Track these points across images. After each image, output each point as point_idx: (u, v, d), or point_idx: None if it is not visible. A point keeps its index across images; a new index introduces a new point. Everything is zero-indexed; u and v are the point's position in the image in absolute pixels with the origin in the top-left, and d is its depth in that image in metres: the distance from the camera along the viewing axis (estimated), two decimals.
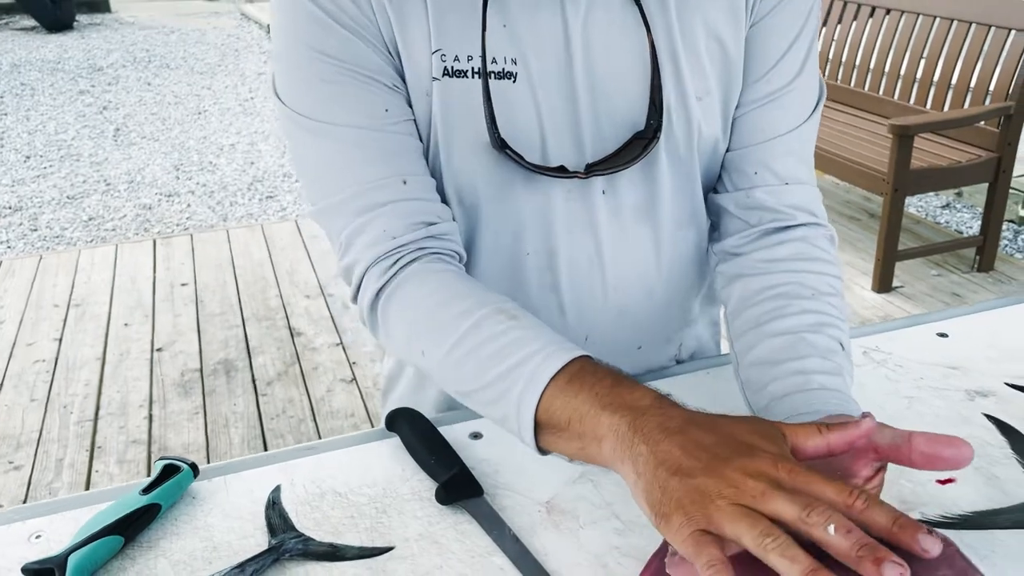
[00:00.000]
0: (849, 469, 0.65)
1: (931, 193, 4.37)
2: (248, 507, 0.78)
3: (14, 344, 3.14)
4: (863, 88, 3.89)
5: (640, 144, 0.84)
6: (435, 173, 0.85)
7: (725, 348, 1.06)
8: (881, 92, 3.79)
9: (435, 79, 0.80)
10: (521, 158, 0.81)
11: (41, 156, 5.55)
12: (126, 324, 3.27)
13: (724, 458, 0.58)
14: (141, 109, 6.56)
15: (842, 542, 0.52)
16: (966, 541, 0.72)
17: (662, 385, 0.95)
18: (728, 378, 0.96)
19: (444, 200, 0.86)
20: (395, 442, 0.85)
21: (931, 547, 0.53)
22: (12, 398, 2.82)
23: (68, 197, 4.87)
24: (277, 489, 0.80)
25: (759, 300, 0.85)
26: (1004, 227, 3.89)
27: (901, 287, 3.37)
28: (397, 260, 0.80)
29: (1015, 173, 3.98)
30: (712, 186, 0.94)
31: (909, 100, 3.64)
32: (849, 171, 3.37)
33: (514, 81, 0.80)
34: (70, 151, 5.65)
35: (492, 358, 0.71)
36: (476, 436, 0.86)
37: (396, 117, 0.81)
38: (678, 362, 1.03)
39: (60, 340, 3.16)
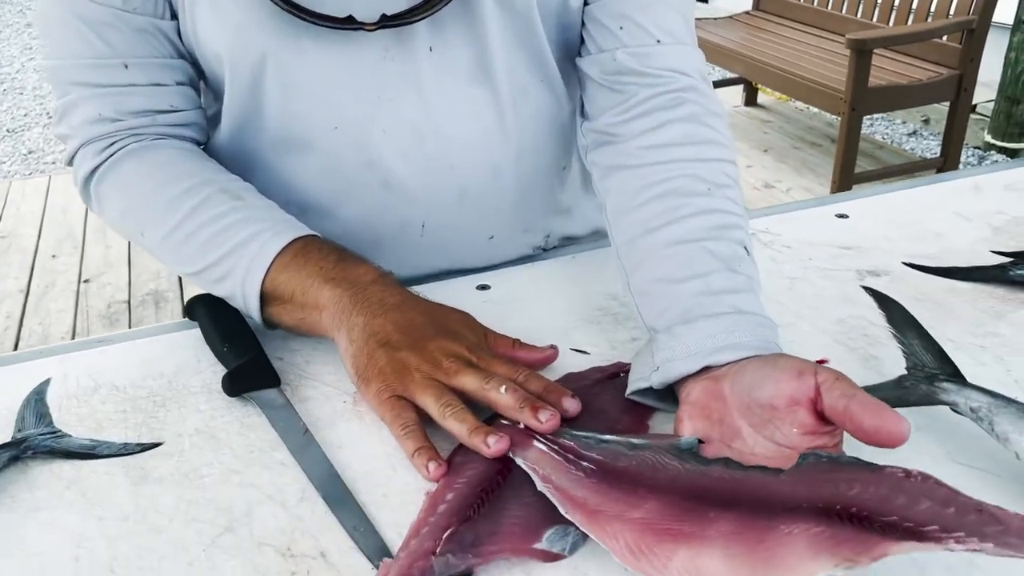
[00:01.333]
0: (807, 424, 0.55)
1: (899, 121, 4.26)
2: (6, 403, 0.67)
3: None
4: (826, 7, 3.74)
5: None
6: (197, 34, 0.73)
7: None
8: (844, 11, 3.65)
9: None
10: (288, 1, 0.68)
11: None
12: (54, 256, 3.13)
13: (429, 337, 0.64)
14: None
15: (509, 399, 0.60)
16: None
17: (519, 272, 0.85)
18: (597, 263, 0.86)
19: (212, 68, 0.76)
20: (196, 332, 0.74)
21: (571, 407, 0.61)
22: None
23: (8, 130, 4.67)
24: (45, 383, 0.69)
25: (646, 199, 0.71)
26: (969, 152, 3.79)
27: None
28: (113, 143, 0.76)
29: (983, 98, 3.87)
30: (576, 51, 0.81)
31: (872, 18, 3.50)
32: (807, 91, 3.24)
33: None
34: (14, 84, 5.43)
35: (216, 238, 0.70)
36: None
37: None
38: (544, 250, 0.92)
39: None
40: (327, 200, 0.79)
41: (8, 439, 0.62)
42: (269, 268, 0.68)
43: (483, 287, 0.81)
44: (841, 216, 0.92)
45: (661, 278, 0.67)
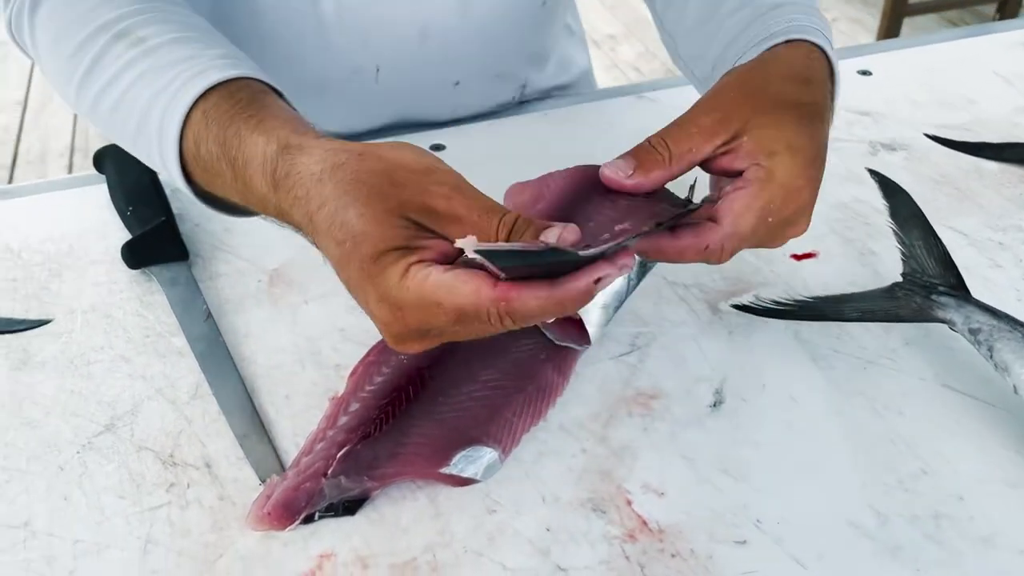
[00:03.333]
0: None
1: None
2: None
3: None
4: None
5: None
6: None
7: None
8: None
9: None
10: None
11: None
12: None
13: (353, 279, 0.41)
14: None
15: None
16: (803, 336, 0.54)
17: (481, 130, 0.75)
18: (573, 122, 0.75)
19: None
20: (106, 188, 0.66)
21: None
22: None
23: None
24: None
25: None
26: None
27: None
28: None
29: None
30: None
31: None
32: None
33: None
34: None
35: (120, 106, 0.51)
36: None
37: None
38: (521, 103, 0.80)
39: None
40: (261, 38, 0.67)
41: None
42: (181, 144, 0.49)
43: (437, 147, 0.72)
44: (863, 73, 0.80)
45: (700, 21, 0.58)
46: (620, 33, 3.11)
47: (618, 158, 0.45)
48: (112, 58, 0.51)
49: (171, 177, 0.50)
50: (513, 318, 0.38)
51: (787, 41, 0.50)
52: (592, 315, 0.50)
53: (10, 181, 2.47)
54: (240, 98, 0.47)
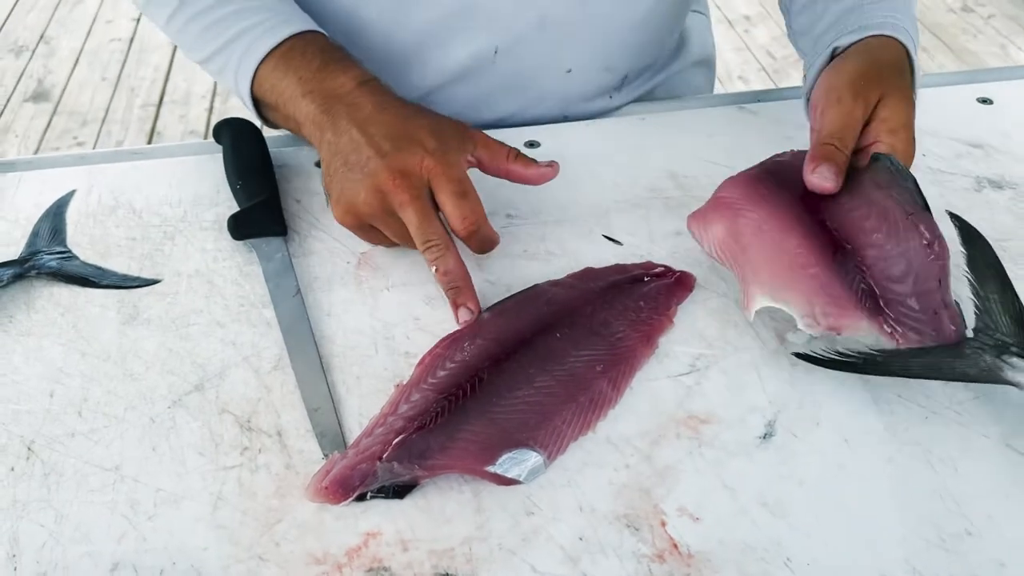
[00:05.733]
0: None
1: None
2: (28, 212, 0.67)
3: (94, 20, 3.11)
4: None
5: None
6: None
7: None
8: None
9: None
10: None
11: None
12: None
13: (385, 154, 0.58)
14: None
15: (439, 279, 0.57)
16: (869, 376, 0.53)
17: (576, 130, 0.76)
18: (667, 130, 0.75)
19: None
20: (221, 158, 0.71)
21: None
22: (85, 75, 2.82)
23: None
24: (68, 196, 0.68)
25: None
26: None
27: None
28: None
29: None
30: None
31: None
32: None
33: None
34: None
35: (210, 30, 0.66)
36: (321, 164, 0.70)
37: None
38: (618, 91, 0.81)
39: (138, 20, 3.10)
40: (389, 13, 0.71)
41: (12, 249, 0.63)
42: (255, 73, 0.65)
43: (532, 143, 0.73)
44: (984, 101, 0.76)
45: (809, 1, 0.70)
46: (756, 14, 3.02)
47: (823, 168, 0.56)
48: None
49: (238, 89, 0.66)
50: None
51: (880, 35, 0.62)
52: None
53: (156, 119, 2.63)
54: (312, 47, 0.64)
